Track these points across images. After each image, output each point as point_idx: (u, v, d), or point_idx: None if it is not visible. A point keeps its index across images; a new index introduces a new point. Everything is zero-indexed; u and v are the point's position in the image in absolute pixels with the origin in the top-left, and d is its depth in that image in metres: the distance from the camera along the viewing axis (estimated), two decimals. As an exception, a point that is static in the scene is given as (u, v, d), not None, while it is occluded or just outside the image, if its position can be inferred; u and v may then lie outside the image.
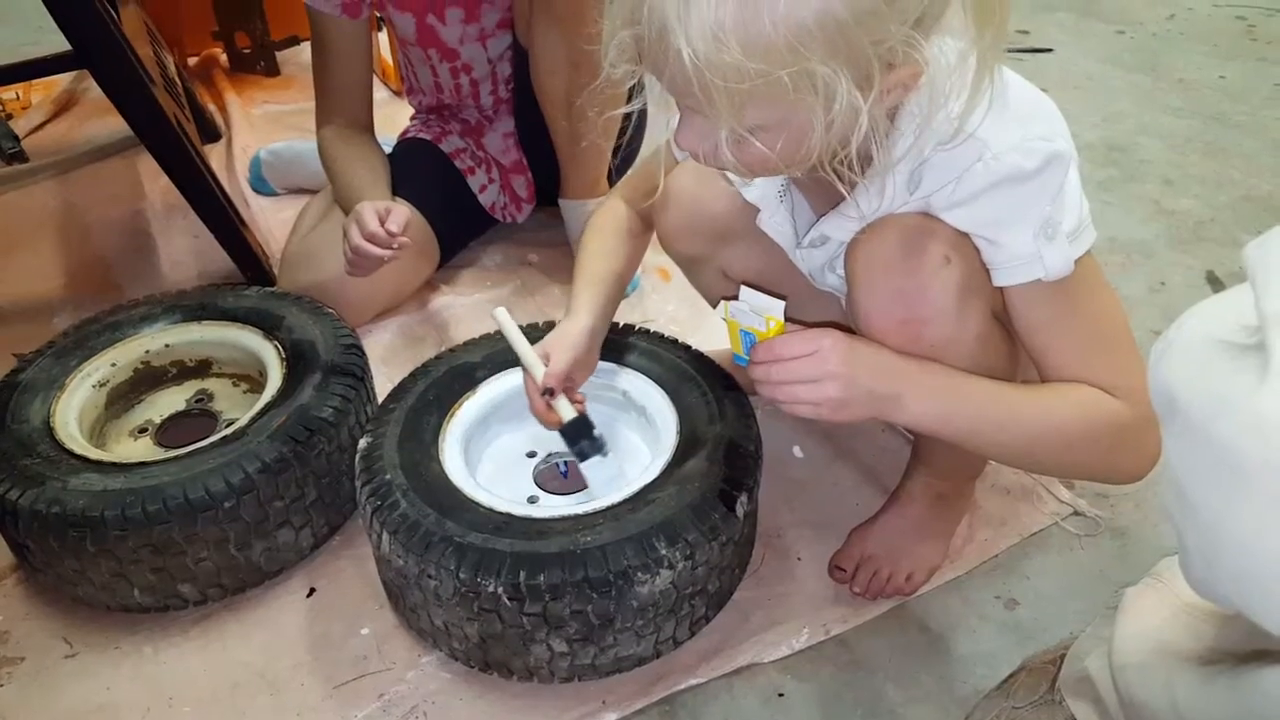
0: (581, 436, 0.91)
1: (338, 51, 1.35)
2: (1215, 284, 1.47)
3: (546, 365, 0.89)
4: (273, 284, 1.40)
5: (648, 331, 1.08)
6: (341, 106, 1.39)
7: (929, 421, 0.74)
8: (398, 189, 1.36)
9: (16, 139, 1.96)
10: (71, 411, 1.04)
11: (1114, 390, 0.73)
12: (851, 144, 0.65)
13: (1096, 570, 0.98)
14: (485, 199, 1.50)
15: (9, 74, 1.87)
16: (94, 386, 1.08)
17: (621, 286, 1.00)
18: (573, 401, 0.91)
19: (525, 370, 0.91)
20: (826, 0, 0.58)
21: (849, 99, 0.61)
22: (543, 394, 0.89)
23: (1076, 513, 1.04)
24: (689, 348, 1.06)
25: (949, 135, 0.68)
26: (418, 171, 1.44)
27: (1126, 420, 0.72)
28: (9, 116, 2.08)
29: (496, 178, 1.52)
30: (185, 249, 1.61)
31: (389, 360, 1.33)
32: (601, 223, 1.02)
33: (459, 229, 1.51)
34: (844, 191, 0.70)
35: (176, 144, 1.30)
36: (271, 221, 1.66)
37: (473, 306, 1.44)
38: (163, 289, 1.45)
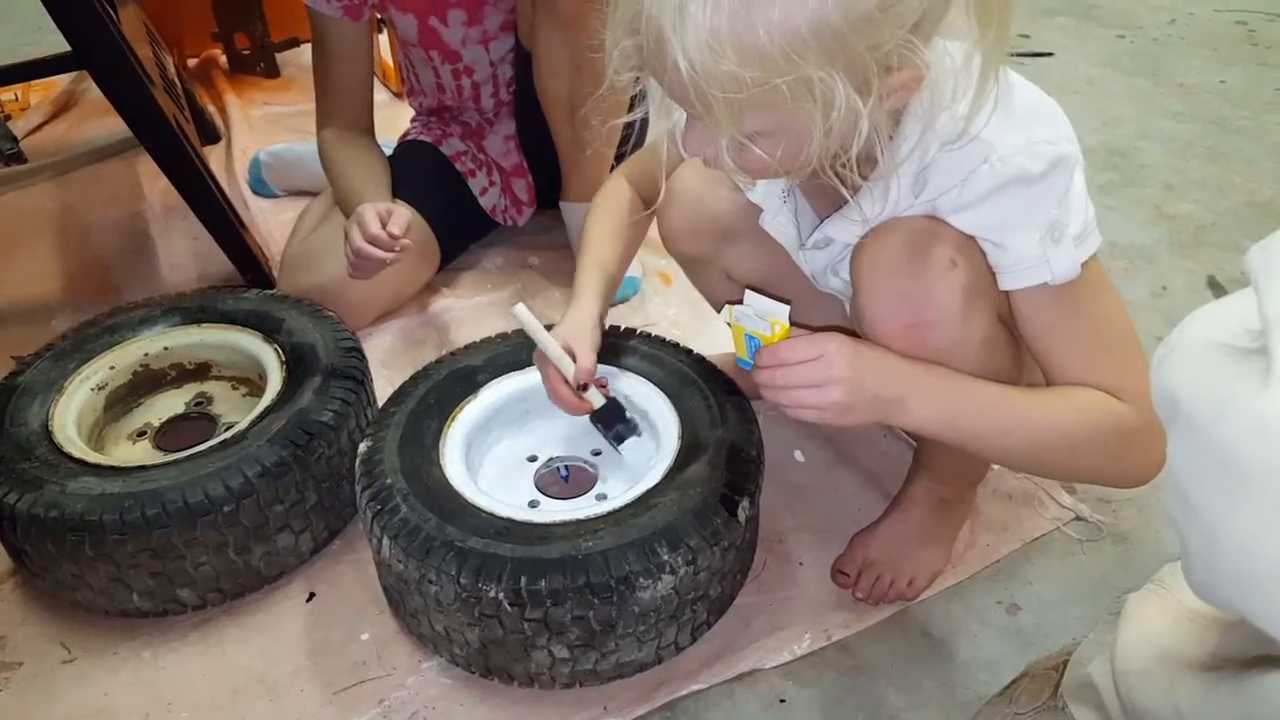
0: (617, 420, 0.94)
1: (339, 53, 1.35)
2: (1217, 289, 1.47)
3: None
4: (272, 286, 1.40)
5: (649, 335, 1.08)
6: (342, 108, 1.39)
7: (933, 425, 0.74)
8: (398, 191, 1.35)
9: (15, 140, 1.95)
10: (70, 415, 1.03)
11: (1119, 394, 0.73)
12: (853, 148, 0.65)
13: (1099, 575, 0.97)
14: (486, 202, 1.50)
15: (8, 75, 1.87)
16: (93, 389, 1.08)
17: (623, 269, 1.01)
18: (598, 387, 0.93)
19: (549, 364, 0.91)
20: (821, 8, 0.58)
21: (848, 104, 0.61)
22: (578, 388, 0.91)
23: (1078, 518, 1.03)
24: (690, 351, 1.06)
25: (955, 136, 0.68)
26: (418, 174, 1.43)
27: (1132, 424, 0.72)
28: (8, 117, 2.08)
29: (497, 180, 1.52)
30: (184, 251, 1.61)
31: (389, 363, 1.32)
32: (607, 203, 1.02)
33: (459, 232, 1.51)
34: (847, 195, 0.70)
35: (176, 145, 1.29)
36: (271, 223, 1.66)
37: (473, 309, 1.43)
38: (162, 291, 1.44)
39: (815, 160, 0.66)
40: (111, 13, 1.27)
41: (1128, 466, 0.75)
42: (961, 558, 0.98)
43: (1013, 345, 0.78)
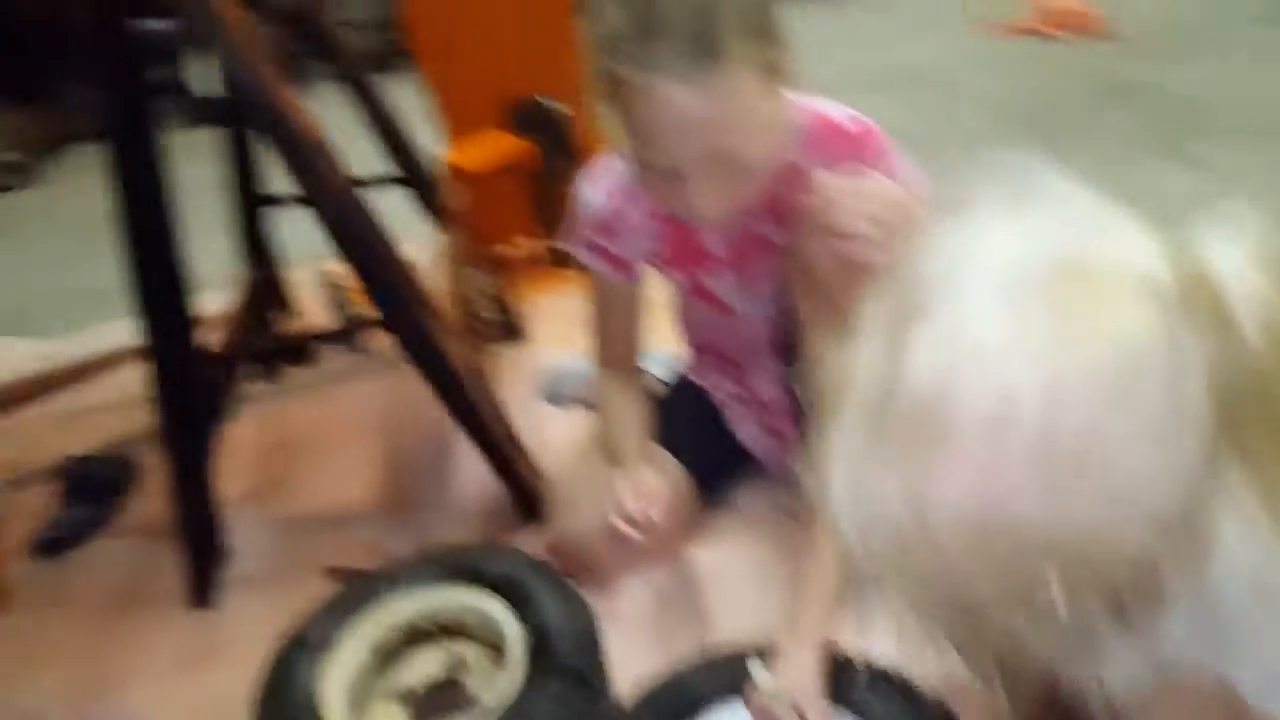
0: None
1: (609, 306, 1.40)
2: None
3: None
4: (543, 521, 1.45)
5: (885, 673, 0.97)
6: (611, 354, 1.44)
7: None
8: (662, 436, 1.38)
9: (358, 321, 2.13)
10: (337, 675, 1.11)
11: None
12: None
13: None
14: (750, 442, 1.48)
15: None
16: (359, 648, 1.15)
17: None
18: None
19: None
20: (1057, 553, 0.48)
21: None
22: None
23: None
24: (938, 701, 0.92)
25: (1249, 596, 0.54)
26: (682, 417, 1.46)
27: None
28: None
29: (762, 419, 1.49)
30: (477, 464, 1.66)
31: (632, 637, 1.26)
32: None
33: (721, 475, 1.49)
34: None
35: (460, 392, 1.42)
36: (549, 432, 1.71)
37: (727, 564, 1.38)
38: (452, 511, 1.56)
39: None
40: (411, 278, 1.43)
41: None
42: None
43: None
